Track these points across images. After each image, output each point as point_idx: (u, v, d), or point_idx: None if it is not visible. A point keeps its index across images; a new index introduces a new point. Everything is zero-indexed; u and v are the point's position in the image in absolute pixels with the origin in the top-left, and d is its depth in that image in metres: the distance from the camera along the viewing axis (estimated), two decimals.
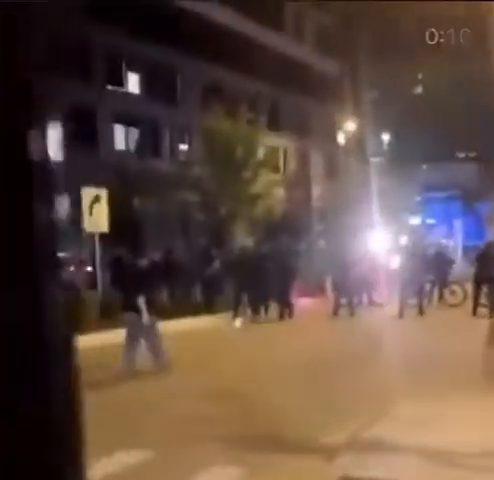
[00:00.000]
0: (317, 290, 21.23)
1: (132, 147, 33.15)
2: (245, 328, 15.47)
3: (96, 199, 15.01)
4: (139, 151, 32.68)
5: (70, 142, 29.66)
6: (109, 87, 32.35)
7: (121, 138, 32.83)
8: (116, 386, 9.22)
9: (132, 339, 10.12)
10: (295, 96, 40.29)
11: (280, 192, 34.80)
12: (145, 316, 9.92)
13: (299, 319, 16.44)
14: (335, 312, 16.85)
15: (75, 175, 28.40)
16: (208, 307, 16.32)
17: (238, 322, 15.74)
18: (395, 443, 5.78)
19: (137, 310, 9.95)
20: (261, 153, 19.69)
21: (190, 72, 34.82)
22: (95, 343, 12.16)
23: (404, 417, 6.64)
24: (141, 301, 9.93)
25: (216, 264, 16.71)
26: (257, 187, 19.50)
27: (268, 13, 38.68)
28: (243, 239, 19.08)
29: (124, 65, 33.22)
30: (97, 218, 15.08)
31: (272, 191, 20.08)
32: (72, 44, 30.31)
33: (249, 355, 11.47)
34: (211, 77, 35.12)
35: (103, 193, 15.37)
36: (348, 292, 17.18)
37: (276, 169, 38.57)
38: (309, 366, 10.01)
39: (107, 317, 14.24)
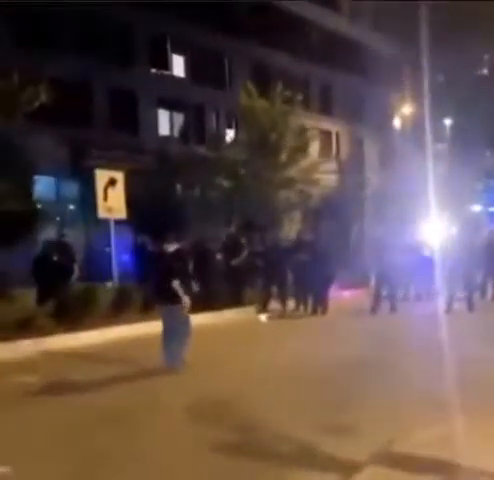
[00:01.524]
0: (364, 281, 19.69)
1: (176, 132, 32.19)
2: (271, 323, 14.17)
3: (111, 182, 13.88)
4: (183, 136, 31.68)
5: (112, 126, 28.94)
6: (153, 70, 31.40)
7: (165, 123, 31.88)
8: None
9: (170, 332, 9.25)
10: (349, 78, 38.60)
11: (330, 178, 33.36)
12: (185, 299, 9.10)
13: (332, 316, 14.96)
14: (373, 309, 15.29)
15: (116, 159, 27.78)
16: (235, 299, 15.02)
17: (264, 317, 14.45)
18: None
19: (172, 300, 9.07)
20: (294, 135, 18.20)
21: (238, 54, 33.61)
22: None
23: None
24: (176, 284, 9.04)
25: (245, 253, 15.40)
26: (292, 172, 18.10)
27: None
28: (275, 227, 17.76)
29: (169, 48, 32.21)
30: (112, 203, 13.96)
31: (311, 176, 18.61)
32: (115, 26, 29.52)
33: (255, 358, 10.20)
34: (260, 59, 33.80)
35: (119, 176, 14.20)
36: (390, 285, 15.61)
37: (326, 154, 37.19)
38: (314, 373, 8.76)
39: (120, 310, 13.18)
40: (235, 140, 22.01)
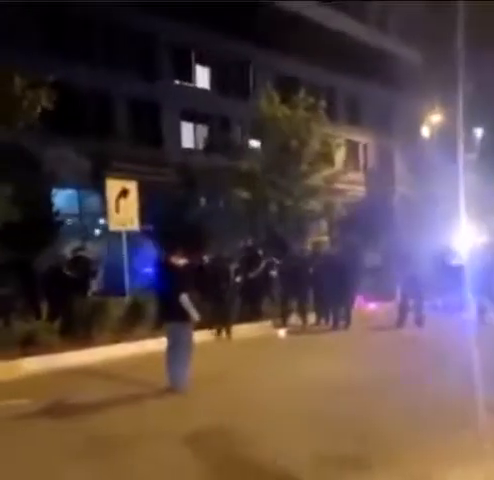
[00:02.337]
0: (391, 293, 18.99)
1: (200, 144, 31.81)
2: (289, 339, 13.50)
3: (123, 193, 13.39)
4: (207, 148, 31.28)
5: (135, 139, 28.68)
6: (177, 82, 31.10)
7: (189, 135, 31.53)
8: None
9: (174, 350, 8.77)
10: (377, 88, 37.92)
11: (357, 189, 32.68)
12: (194, 314, 8.61)
13: (355, 330, 14.28)
14: (399, 322, 14.57)
15: (138, 172, 27.45)
16: (252, 313, 14.43)
17: (282, 332, 13.78)
18: None
19: (179, 316, 8.58)
20: (316, 143, 17.57)
21: (263, 65, 33.18)
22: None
23: None
24: (185, 298, 8.55)
25: (262, 266, 14.82)
26: (313, 181, 17.46)
27: None
28: (296, 238, 17.14)
29: (193, 59, 31.90)
30: (125, 214, 13.46)
31: (334, 186, 17.97)
32: (139, 37, 29.32)
33: (267, 378, 9.60)
34: (285, 70, 33.31)
35: (132, 186, 13.69)
36: (417, 297, 14.88)
37: (354, 165, 36.50)
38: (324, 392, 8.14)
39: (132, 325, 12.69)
40: (255, 150, 21.40)
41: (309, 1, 34.67)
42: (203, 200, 27.77)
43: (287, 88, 18.39)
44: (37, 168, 24.17)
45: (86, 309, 12.21)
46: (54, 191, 24.50)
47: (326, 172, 18.14)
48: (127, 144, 28.26)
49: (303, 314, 14.76)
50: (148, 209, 24.11)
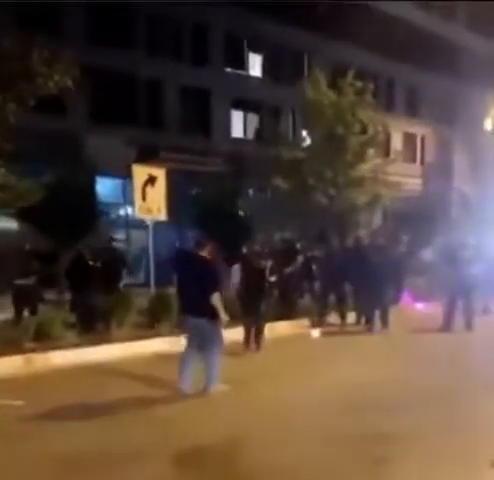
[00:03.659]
0: (441, 293, 17.85)
1: (250, 133, 31.00)
2: (323, 339, 12.51)
3: (150, 180, 12.64)
4: (257, 137, 30.46)
5: (183, 127, 28.11)
6: (228, 69, 30.34)
7: (238, 124, 30.75)
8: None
9: (193, 350, 8.14)
10: (439, 78, 36.35)
11: (413, 182, 31.33)
12: (223, 315, 7.85)
13: (397, 332, 13.17)
14: (446, 325, 13.46)
15: (184, 161, 26.83)
16: (286, 311, 13.52)
17: (316, 332, 12.79)
18: None
19: (209, 315, 7.83)
20: (363, 129, 16.45)
21: (318, 52, 32.07)
22: None
23: None
24: (216, 297, 7.81)
25: (299, 260, 13.88)
26: (359, 171, 16.35)
27: None
28: (338, 231, 16.11)
29: (246, 46, 31.07)
30: (151, 203, 12.73)
31: (383, 177, 16.83)
32: (190, 24, 28.71)
33: (292, 383, 8.71)
34: (341, 58, 32.13)
35: (160, 173, 12.92)
36: (467, 298, 13.71)
37: (410, 158, 35.10)
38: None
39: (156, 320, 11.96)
40: (301, 139, 20.33)
41: None
42: (251, 191, 27.00)
43: (343, 77, 17.38)
44: (81, 156, 23.82)
45: (107, 302, 11.53)
46: (98, 180, 24.10)
47: (374, 162, 17.02)
48: (175, 133, 27.69)
49: (341, 313, 13.76)
50: (192, 199, 23.54)
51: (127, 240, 23.92)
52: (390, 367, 9.57)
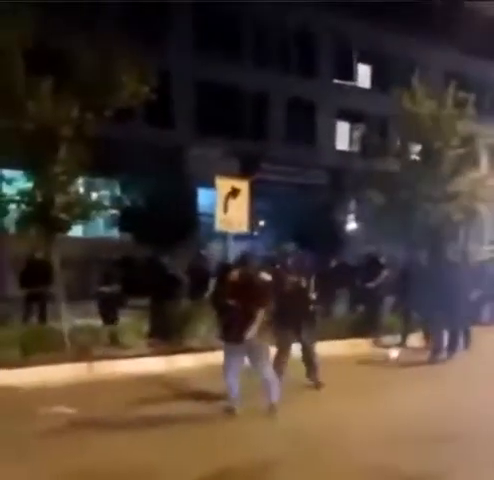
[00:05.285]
0: None
1: (355, 146, 30.57)
2: (399, 361, 11.74)
3: (233, 192, 12.66)
4: (363, 150, 29.98)
5: (287, 139, 28.10)
6: (335, 81, 30.11)
7: (344, 136, 30.42)
8: None
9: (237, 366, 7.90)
10: None
11: None
12: (251, 334, 7.54)
13: (478, 356, 12.34)
14: None
15: (286, 173, 26.82)
16: (368, 327, 13.13)
17: (394, 353, 12.18)
18: None
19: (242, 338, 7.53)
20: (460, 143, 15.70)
21: (431, 62, 31.19)
22: None
23: None
24: (260, 313, 7.58)
25: (383, 275, 13.43)
26: (455, 186, 15.64)
27: None
28: (430, 246, 15.50)
29: (355, 57, 30.75)
30: (233, 215, 12.72)
31: (478, 191, 16.04)
32: (299, 36, 28.73)
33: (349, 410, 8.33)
34: (456, 68, 31.09)
35: (243, 186, 12.92)
36: None
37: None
38: None
39: None
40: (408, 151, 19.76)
41: None
42: (352, 204, 26.62)
43: (457, 87, 16.71)
44: (183, 168, 24.28)
45: (179, 312, 11.62)
46: (200, 191, 24.46)
47: (471, 176, 16.30)
48: (279, 144, 27.72)
49: (426, 332, 13.16)
50: (289, 212, 23.40)
51: (224, 251, 24.08)
52: (466, 397, 8.90)
